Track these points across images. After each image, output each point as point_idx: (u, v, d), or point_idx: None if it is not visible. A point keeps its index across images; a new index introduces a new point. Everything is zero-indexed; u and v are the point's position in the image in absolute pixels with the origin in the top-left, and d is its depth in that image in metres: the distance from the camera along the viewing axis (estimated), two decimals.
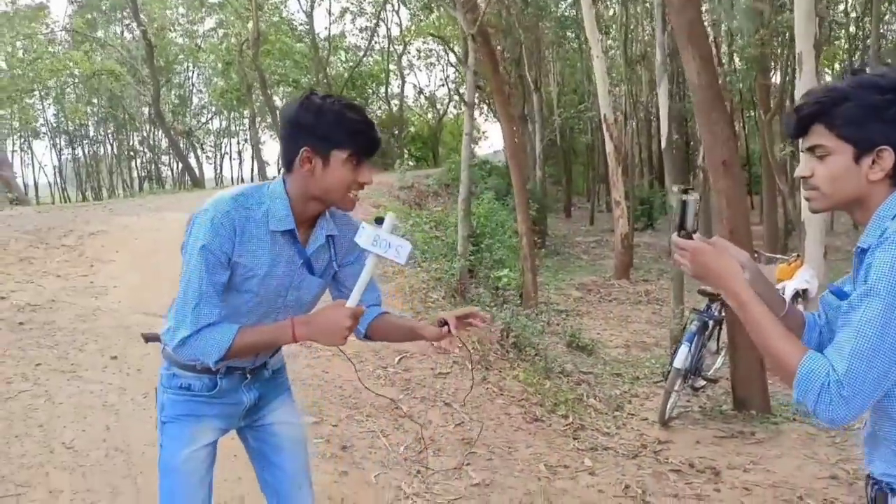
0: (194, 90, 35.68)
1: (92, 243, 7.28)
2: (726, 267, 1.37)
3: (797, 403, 1.27)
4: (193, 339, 1.64)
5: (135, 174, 36.77)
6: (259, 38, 23.06)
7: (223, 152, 39.11)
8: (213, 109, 35.01)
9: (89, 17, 29.83)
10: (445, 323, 1.75)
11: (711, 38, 10.34)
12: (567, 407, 5.16)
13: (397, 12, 29.03)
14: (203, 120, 36.24)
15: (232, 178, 36.47)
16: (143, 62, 23.78)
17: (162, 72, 29.73)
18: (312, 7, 26.51)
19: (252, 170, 30.56)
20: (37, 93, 29.28)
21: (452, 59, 27.94)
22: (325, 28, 34.03)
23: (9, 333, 4.79)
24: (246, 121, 30.90)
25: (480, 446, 4.17)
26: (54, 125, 34.76)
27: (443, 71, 31.25)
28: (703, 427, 5.05)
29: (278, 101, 33.22)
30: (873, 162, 1.28)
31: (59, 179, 37.41)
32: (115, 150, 36.74)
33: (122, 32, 30.48)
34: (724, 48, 17.39)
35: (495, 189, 14.35)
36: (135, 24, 24.15)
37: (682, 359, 4.81)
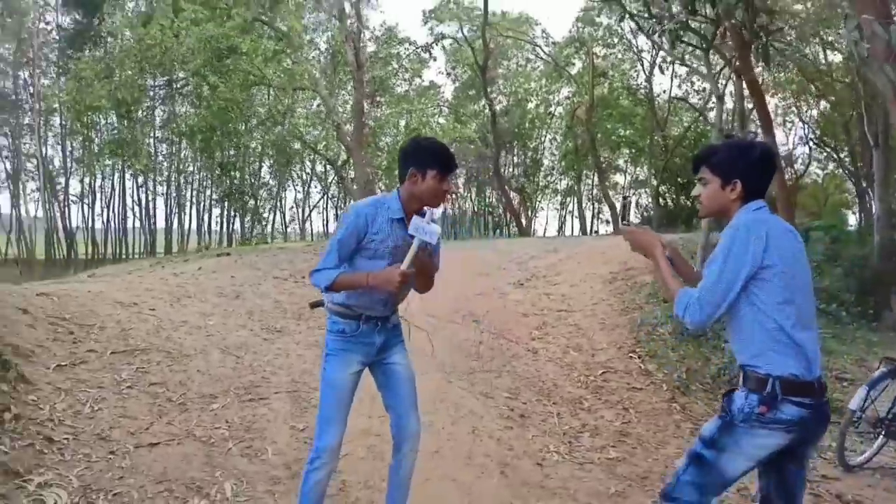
0: (546, 152, 39.51)
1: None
2: (647, 240, 2.43)
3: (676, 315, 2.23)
4: (318, 273, 2.69)
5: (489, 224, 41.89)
6: (594, 105, 25.28)
7: (567, 210, 42.17)
8: (560, 169, 38.32)
9: (466, 93, 35.83)
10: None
11: None
12: None
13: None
14: (551, 179, 39.77)
15: (564, 230, 39.32)
16: (488, 130, 27.87)
17: (517, 136, 34.20)
18: (652, 72, 27.89)
19: (581, 224, 33.10)
20: None
21: (813, 114, 26.29)
22: (664, 91, 34.70)
23: None
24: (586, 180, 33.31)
25: (633, 439, 5.06)
26: None
27: (805, 128, 29.03)
28: (893, 480, 4.98)
29: (622, 163, 35.22)
30: (732, 189, 2.29)
31: None
32: (475, 206, 42.48)
33: (487, 105, 35.69)
34: None
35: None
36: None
37: (856, 400, 4.88)
